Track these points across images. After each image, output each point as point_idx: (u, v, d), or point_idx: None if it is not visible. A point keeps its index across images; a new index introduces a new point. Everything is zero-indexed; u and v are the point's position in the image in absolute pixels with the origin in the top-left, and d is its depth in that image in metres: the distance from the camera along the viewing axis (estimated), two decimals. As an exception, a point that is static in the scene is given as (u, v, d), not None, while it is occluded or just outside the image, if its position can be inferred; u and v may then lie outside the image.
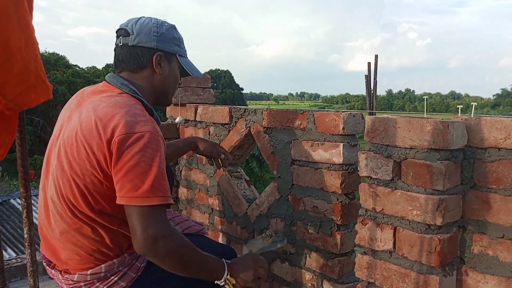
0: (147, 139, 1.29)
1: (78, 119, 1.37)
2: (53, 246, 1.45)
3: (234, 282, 1.44)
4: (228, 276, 1.43)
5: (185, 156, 2.62)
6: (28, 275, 0.85)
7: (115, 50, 1.54)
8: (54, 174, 1.38)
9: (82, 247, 1.38)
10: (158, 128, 1.39)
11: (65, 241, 1.39)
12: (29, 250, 0.81)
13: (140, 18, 1.54)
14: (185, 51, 1.64)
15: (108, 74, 1.53)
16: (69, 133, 1.36)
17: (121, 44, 1.51)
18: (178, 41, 1.58)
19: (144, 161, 1.27)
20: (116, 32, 1.55)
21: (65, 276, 1.43)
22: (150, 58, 1.50)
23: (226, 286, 1.44)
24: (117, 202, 1.28)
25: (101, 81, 1.55)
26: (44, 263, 1.53)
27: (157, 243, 1.25)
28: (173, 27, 1.58)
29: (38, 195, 1.51)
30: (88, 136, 1.31)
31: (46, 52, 31.42)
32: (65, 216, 1.36)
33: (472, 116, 1.31)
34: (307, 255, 1.88)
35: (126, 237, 1.43)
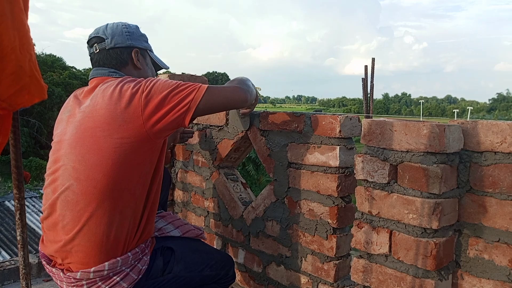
0: (155, 79, 1.46)
1: (88, 107, 1.44)
2: (58, 240, 1.43)
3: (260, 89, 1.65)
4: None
5: (181, 159, 2.62)
6: (21, 277, 0.84)
7: (92, 57, 1.63)
8: (72, 163, 1.40)
9: (92, 237, 1.39)
10: None
11: (75, 231, 1.39)
12: (21, 253, 0.80)
13: (108, 24, 1.65)
14: (151, 46, 1.77)
15: (92, 71, 1.63)
16: (83, 120, 1.42)
17: (98, 50, 1.60)
18: (145, 38, 1.71)
19: (168, 84, 1.43)
20: (88, 42, 1.65)
21: (67, 274, 1.42)
22: (129, 55, 1.62)
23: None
24: (187, 119, 1.43)
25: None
26: (43, 262, 1.52)
27: (236, 93, 1.57)
28: (137, 27, 1.71)
29: (34, 197, 1.51)
30: (108, 112, 1.39)
31: (43, 54, 31.32)
32: (83, 202, 1.38)
33: (468, 120, 1.31)
34: (303, 259, 1.87)
35: (139, 221, 1.48)
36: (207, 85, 1.47)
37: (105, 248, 1.40)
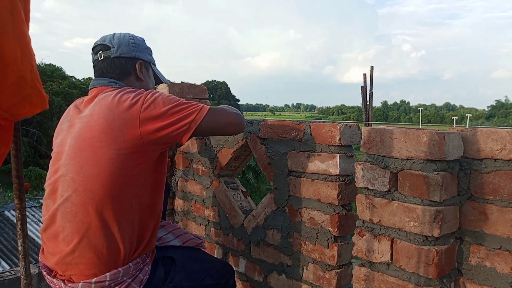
0: (156, 93, 1.46)
1: (87, 117, 1.44)
2: (59, 252, 1.43)
3: None
4: None
5: (181, 167, 2.61)
6: (22, 287, 0.83)
7: (95, 64, 1.63)
8: (71, 174, 1.40)
9: (92, 248, 1.38)
10: None
11: (75, 242, 1.38)
12: (23, 263, 0.80)
13: (115, 33, 1.66)
14: (154, 60, 1.80)
15: (92, 80, 1.61)
16: (82, 131, 1.42)
17: (103, 57, 1.61)
18: (150, 51, 1.74)
19: (170, 99, 1.44)
20: (93, 49, 1.65)
21: (69, 284, 1.42)
22: (133, 66, 1.64)
23: None
24: (185, 138, 1.44)
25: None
26: (43, 272, 1.51)
27: (234, 113, 1.57)
28: (143, 39, 1.73)
29: (33, 207, 1.51)
30: (106, 123, 1.38)
31: (42, 64, 31.43)
32: (82, 213, 1.37)
33: (467, 127, 1.32)
34: (304, 267, 1.86)
35: (139, 232, 1.47)
36: (209, 107, 1.48)
37: (105, 259, 1.39)
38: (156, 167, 1.52)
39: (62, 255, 1.42)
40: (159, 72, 1.80)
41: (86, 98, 1.57)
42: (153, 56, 1.77)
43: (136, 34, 1.73)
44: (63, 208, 1.40)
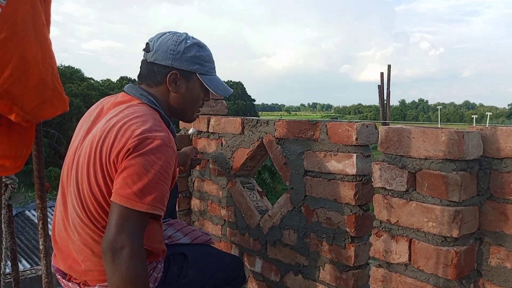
0: (155, 145, 1.29)
1: (97, 130, 1.39)
2: (71, 258, 1.44)
3: None
4: None
5: (198, 167, 2.63)
6: (43, 286, 0.85)
7: (140, 63, 1.56)
8: (75, 186, 1.38)
9: (101, 259, 1.38)
10: (172, 139, 1.39)
11: (85, 252, 1.39)
12: (44, 261, 0.82)
13: (164, 33, 1.53)
14: (210, 68, 1.57)
15: (127, 85, 1.54)
16: (88, 145, 1.38)
17: (143, 58, 1.53)
18: (199, 59, 1.52)
19: (143, 164, 1.26)
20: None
21: None
22: (165, 76, 1.49)
23: None
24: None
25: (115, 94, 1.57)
26: (57, 276, 1.53)
27: (120, 252, 1.21)
28: (196, 44, 1.53)
29: (53, 207, 1.52)
30: (105, 146, 1.32)
31: (62, 66, 31.97)
32: (87, 227, 1.37)
33: (487, 126, 1.29)
34: (321, 268, 1.86)
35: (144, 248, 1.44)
36: (138, 208, 1.24)
37: None
38: None
39: (74, 263, 1.43)
40: (213, 82, 1.58)
41: (113, 99, 1.51)
42: (205, 64, 1.55)
43: (193, 40, 1.54)
44: (72, 218, 1.40)
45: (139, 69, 1.55)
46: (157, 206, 1.28)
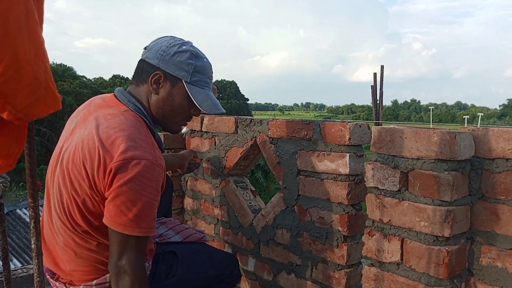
0: (142, 167, 1.26)
1: (81, 137, 1.35)
2: (57, 258, 1.45)
3: None
4: None
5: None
6: (35, 285, 0.85)
7: None
8: (58, 189, 1.38)
9: (86, 259, 1.39)
10: (159, 154, 1.36)
11: (69, 253, 1.39)
12: (36, 260, 0.82)
13: (166, 36, 1.51)
14: (201, 80, 1.49)
15: (117, 88, 1.51)
16: (72, 148, 1.36)
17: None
18: (188, 66, 1.45)
19: (135, 190, 1.25)
20: None
21: (70, 287, 1.43)
22: (149, 75, 1.45)
23: None
24: (103, 220, 1.29)
25: (107, 92, 1.55)
26: (47, 275, 1.53)
27: (123, 276, 1.28)
28: (190, 52, 1.46)
29: (43, 205, 1.51)
30: (88, 156, 1.30)
31: (54, 64, 31.73)
32: (68, 230, 1.37)
33: (479, 126, 1.31)
34: (313, 267, 1.86)
35: None
36: (136, 233, 1.27)
37: (102, 266, 1.40)
38: None
39: (60, 263, 1.43)
40: (200, 95, 1.49)
41: (101, 101, 1.48)
42: (199, 74, 1.48)
43: (192, 48, 1.48)
44: (55, 219, 1.40)
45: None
46: (152, 227, 1.32)
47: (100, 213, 1.32)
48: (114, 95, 1.49)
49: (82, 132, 1.38)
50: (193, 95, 1.46)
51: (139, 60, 1.50)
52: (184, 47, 1.46)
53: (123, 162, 1.25)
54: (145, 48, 1.51)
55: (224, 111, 1.57)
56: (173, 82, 1.46)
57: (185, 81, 1.46)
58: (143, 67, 1.47)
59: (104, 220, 1.29)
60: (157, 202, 1.33)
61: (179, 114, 1.52)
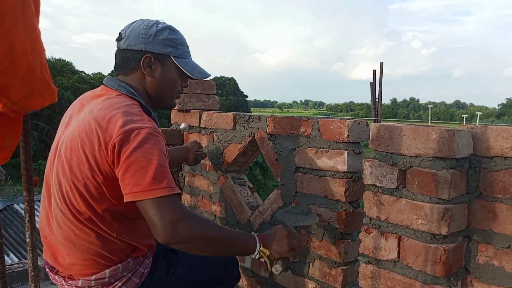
0: (144, 135, 1.27)
1: (77, 123, 1.37)
2: (57, 251, 1.44)
3: (268, 253, 1.39)
4: (262, 247, 1.38)
5: (187, 164, 2.62)
6: (30, 280, 0.84)
7: (115, 54, 1.56)
8: (57, 179, 1.38)
9: (86, 252, 1.38)
10: (157, 126, 1.38)
11: (69, 246, 1.39)
12: (31, 255, 0.81)
13: (134, 21, 1.53)
14: (184, 51, 1.56)
15: (106, 78, 1.54)
16: (68, 137, 1.37)
17: (117, 48, 1.53)
18: (172, 41, 1.51)
19: (143, 156, 1.25)
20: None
21: (69, 282, 1.43)
22: (139, 60, 1.48)
23: (261, 259, 1.39)
24: (124, 200, 1.26)
25: None
26: (46, 269, 1.52)
27: (177, 227, 1.21)
28: (167, 28, 1.52)
29: (40, 200, 1.51)
30: (86, 139, 1.30)
31: (52, 58, 31.62)
32: (69, 221, 1.36)
33: (477, 125, 1.30)
34: (310, 264, 1.86)
35: (128, 243, 1.43)
36: (163, 194, 1.23)
37: (102, 260, 1.39)
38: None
39: (60, 256, 1.43)
40: (188, 65, 1.56)
41: (92, 93, 1.51)
42: (179, 46, 1.54)
43: (164, 24, 1.53)
44: (54, 212, 1.40)
45: (114, 60, 1.54)
46: (174, 186, 1.27)
47: (103, 196, 1.32)
48: (104, 84, 1.51)
49: (77, 121, 1.39)
50: (183, 67, 1.54)
51: (120, 51, 1.51)
52: (160, 25, 1.51)
53: (123, 136, 1.26)
54: (118, 40, 1.52)
55: (209, 74, 1.65)
56: (163, 61, 1.51)
57: (173, 56, 1.52)
58: (128, 56, 1.49)
59: (126, 198, 1.25)
60: (167, 166, 1.31)
61: (174, 89, 1.59)
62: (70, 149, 1.34)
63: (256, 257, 1.38)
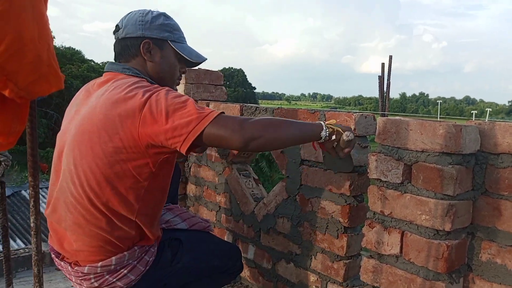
0: (164, 91, 1.34)
1: (90, 108, 1.39)
2: (63, 238, 1.45)
3: (335, 122, 1.43)
4: (326, 123, 1.42)
5: (194, 153, 2.63)
6: (33, 263, 0.85)
7: (113, 46, 1.60)
8: (70, 165, 1.38)
9: (95, 238, 1.39)
10: None
11: (77, 232, 1.40)
12: (35, 239, 0.82)
13: (130, 12, 1.59)
14: (180, 36, 1.62)
15: (107, 64, 1.57)
16: (82, 122, 1.38)
17: (115, 39, 1.57)
18: (168, 27, 1.57)
19: (174, 103, 1.29)
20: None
21: (75, 268, 1.44)
22: (138, 47, 1.53)
23: (331, 135, 1.39)
24: (183, 148, 1.28)
25: None
26: (52, 255, 1.54)
27: (243, 127, 1.27)
28: (162, 15, 1.59)
29: (48, 187, 1.51)
30: (105, 119, 1.32)
31: (62, 47, 31.71)
32: (81, 206, 1.37)
33: (486, 121, 1.29)
34: (313, 257, 1.86)
35: (139, 229, 1.45)
36: (215, 114, 1.29)
37: (109, 247, 1.40)
38: (160, 172, 1.42)
39: (66, 242, 1.44)
40: (186, 49, 1.61)
41: (98, 80, 1.53)
42: (175, 32, 1.59)
43: (158, 11, 1.59)
44: (64, 197, 1.41)
45: (114, 51, 1.59)
46: (216, 111, 1.31)
47: (127, 173, 1.35)
48: (107, 71, 1.55)
49: (88, 106, 1.42)
50: (181, 50, 1.59)
51: (119, 40, 1.56)
52: (154, 12, 1.58)
53: (148, 103, 1.30)
54: (115, 32, 1.57)
55: (206, 58, 1.70)
56: (161, 46, 1.56)
57: (170, 41, 1.57)
58: (128, 44, 1.54)
59: (186, 144, 1.27)
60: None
61: (174, 73, 1.64)
62: (89, 133, 1.35)
63: (326, 133, 1.39)
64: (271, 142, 1.33)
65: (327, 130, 1.39)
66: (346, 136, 1.38)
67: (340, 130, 1.41)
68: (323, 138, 1.39)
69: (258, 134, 1.28)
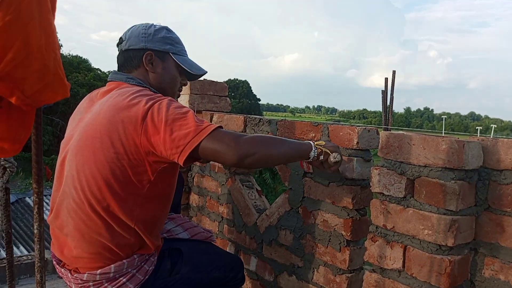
0: (167, 101, 1.36)
1: (94, 115, 1.42)
2: (64, 244, 1.46)
3: (323, 144, 1.49)
4: (315, 143, 1.48)
5: (198, 163, 2.63)
6: (36, 270, 0.86)
7: (117, 59, 1.64)
8: (73, 170, 1.40)
9: (94, 244, 1.40)
10: None
11: (77, 238, 1.40)
12: (38, 246, 0.82)
13: (133, 26, 1.63)
14: (181, 49, 1.67)
15: (110, 74, 1.61)
16: (86, 129, 1.40)
17: (119, 51, 1.61)
18: (170, 40, 1.62)
19: (174, 113, 1.32)
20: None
21: (75, 275, 1.44)
22: (141, 58, 1.57)
23: (320, 155, 1.47)
24: (180, 160, 1.30)
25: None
26: (54, 262, 1.55)
27: (238, 143, 1.30)
28: (164, 28, 1.63)
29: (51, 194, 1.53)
30: (109, 125, 1.35)
31: (69, 55, 32.02)
32: (82, 211, 1.38)
33: (489, 137, 1.29)
34: (315, 270, 1.85)
35: (139, 237, 1.45)
36: (212, 128, 1.31)
37: (108, 254, 1.41)
38: (159, 181, 1.43)
39: (67, 248, 1.45)
40: (186, 61, 1.66)
41: (102, 90, 1.56)
42: (176, 45, 1.64)
43: (160, 25, 1.63)
44: (66, 203, 1.42)
45: (117, 62, 1.63)
46: (213, 125, 1.34)
47: (128, 179, 1.36)
48: (110, 80, 1.58)
49: (92, 114, 1.44)
50: (182, 63, 1.64)
51: (123, 52, 1.59)
52: (157, 26, 1.62)
53: (150, 111, 1.33)
54: (119, 44, 1.62)
55: (206, 71, 1.75)
56: (162, 57, 1.60)
57: (171, 53, 1.62)
58: (131, 55, 1.58)
59: (183, 155, 1.30)
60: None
61: (175, 84, 1.68)
62: (92, 138, 1.37)
63: (314, 153, 1.46)
64: (265, 159, 1.37)
65: (315, 150, 1.46)
66: (333, 157, 1.47)
67: (328, 151, 1.47)
68: (311, 158, 1.46)
69: (252, 151, 1.31)
